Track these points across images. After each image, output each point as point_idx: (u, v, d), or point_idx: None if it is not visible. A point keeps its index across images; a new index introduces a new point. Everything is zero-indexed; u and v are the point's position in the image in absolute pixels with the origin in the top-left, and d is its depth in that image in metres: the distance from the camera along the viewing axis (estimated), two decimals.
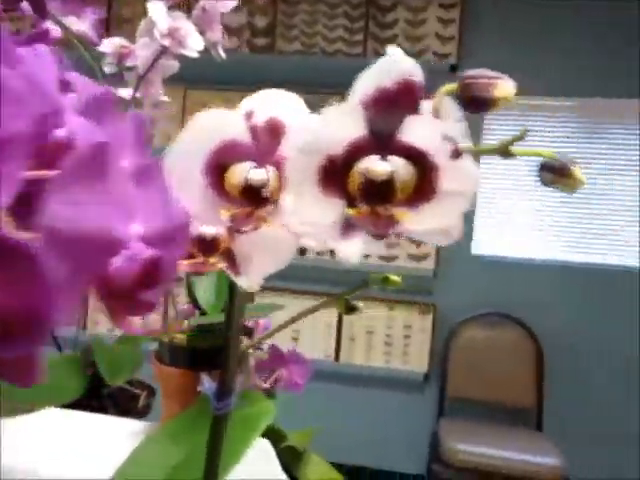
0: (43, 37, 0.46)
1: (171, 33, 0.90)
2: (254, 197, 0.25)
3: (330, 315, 2.40)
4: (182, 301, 0.74)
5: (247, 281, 0.31)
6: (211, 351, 0.63)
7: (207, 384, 0.44)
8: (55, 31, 0.68)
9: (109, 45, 0.91)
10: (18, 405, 0.77)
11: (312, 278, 2.22)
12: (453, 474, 1.87)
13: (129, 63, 0.93)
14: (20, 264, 0.15)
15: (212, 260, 0.31)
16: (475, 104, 0.22)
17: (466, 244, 2.27)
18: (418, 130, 0.19)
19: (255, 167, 0.25)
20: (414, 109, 0.20)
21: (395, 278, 0.34)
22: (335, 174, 0.20)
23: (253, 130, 0.25)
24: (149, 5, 0.91)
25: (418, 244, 2.36)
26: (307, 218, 0.20)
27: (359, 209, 0.20)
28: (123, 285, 0.21)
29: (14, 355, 0.17)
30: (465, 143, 0.21)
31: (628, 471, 2.14)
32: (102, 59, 0.83)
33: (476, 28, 2.26)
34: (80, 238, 0.18)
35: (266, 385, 0.81)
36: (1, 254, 0.15)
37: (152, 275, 0.22)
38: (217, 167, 0.25)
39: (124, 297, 0.21)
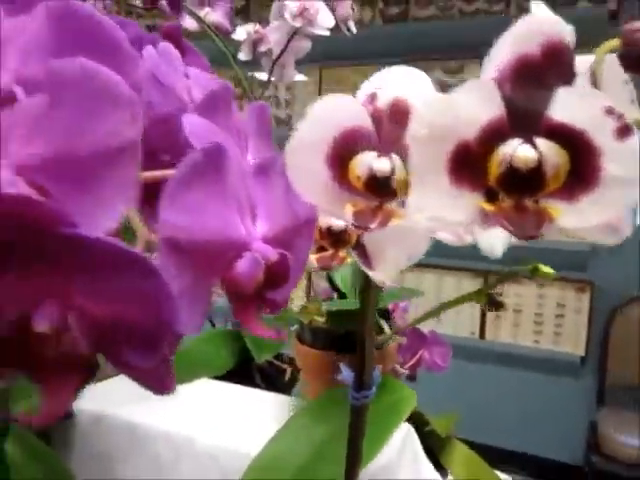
0: (174, 32, 0.47)
1: (301, 13, 0.90)
2: (380, 190, 0.23)
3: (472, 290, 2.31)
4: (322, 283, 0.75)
5: (381, 275, 0.29)
6: (349, 334, 0.63)
7: (345, 373, 0.43)
8: (190, 23, 0.71)
9: (242, 32, 0.93)
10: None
11: (455, 252, 2.14)
12: (616, 467, 1.71)
13: (263, 48, 0.95)
14: (141, 278, 0.15)
15: (342, 253, 0.29)
16: None
17: None
18: (571, 104, 0.16)
19: (379, 156, 0.22)
20: (564, 79, 0.17)
21: (547, 269, 0.30)
22: (468, 162, 0.17)
23: (376, 114, 0.23)
24: None
25: None
26: (435, 213, 0.18)
27: (499, 203, 0.17)
28: (249, 287, 0.20)
29: (146, 364, 0.17)
30: (635, 115, 0.17)
31: None
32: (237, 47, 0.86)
33: None
34: (199, 245, 0.18)
35: (404, 370, 0.80)
36: (121, 268, 0.15)
37: (279, 274, 0.21)
38: (339, 157, 0.24)
39: (251, 297, 0.21)
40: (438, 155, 0.17)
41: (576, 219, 0.16)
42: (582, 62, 0.20)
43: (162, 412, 0.71)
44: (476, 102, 0.16)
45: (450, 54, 2.30)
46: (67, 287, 0.16)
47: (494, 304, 0.29)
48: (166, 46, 0.30)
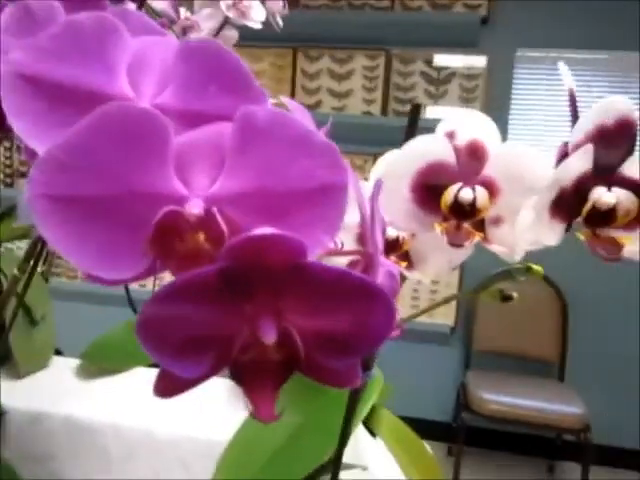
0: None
1: (235, 4, 0.91)
2: (460, 213, 0.28)
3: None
4: None
5: (419, 276, 0.35)
6: None
7: None
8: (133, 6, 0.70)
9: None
10: (107, 366, 0.82)
11: None
12: (482, 422, 1.97)
13: (193, 35, 0.94)
14: (374, 301, 0.19)
15: (392, 258, 0.34)
16: None
17: None
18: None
19: (463, 187, 0.28)
20: (631, 144, 0.23)
21: (538, 268, 0.37)
22: (563, 202, 0.23)
23: (456, 150, 0.29)
24: None
25: None
26: (536, 238, 0.24)
27: (586, 233, 0.23)
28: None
29: (345, 366, 0.20)
30: None
31: None
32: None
33: None
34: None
35: None
36: (351, 292, 0.19)
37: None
38: (424, 185, 0.29)
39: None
40: (548, 199, 0.23)
41: (633, 244, 0.23)
42: None
43: (107, 405, 0.70)
44: (579, 162, 0.22)
45: (339, 44, 2.39)
46: (287, 305, 0.20)
47: (506, 297, 0.36)
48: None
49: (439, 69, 2.36)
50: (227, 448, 0.56)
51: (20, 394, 0.71)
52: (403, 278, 0.36)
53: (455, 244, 0.27)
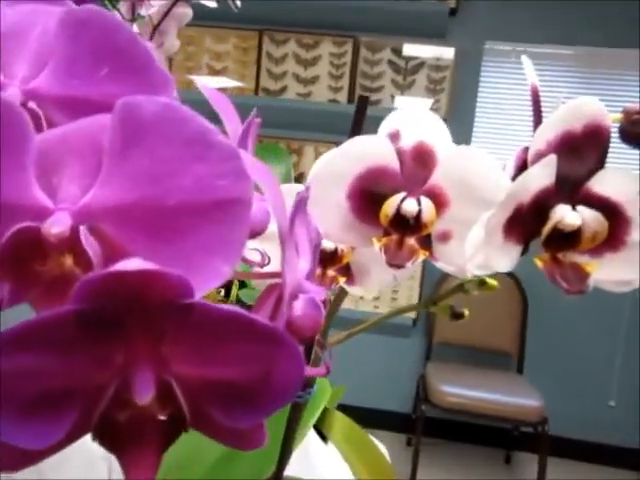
0: None
1: None
2: (403, 227, 0.24)
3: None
4: None
5: (361, 291, 0.31)
6: None
7: None
8: None
9: None
10: None
11: None
12: (441, 414, 1.97)
13: (144, 11, 0.88)
14: (277, 348, 0.15)
15: (330, 272, 0.30)
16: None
17: None
18: (611, 181, 0.19)
19: (407, 197, 0.24)
20: (601, 155, 0.20)
21: (493, 282, 0.34)
22: (520, 221, 0.20)
23: (400, 153, 0.25)
24: None
25: None
26: (486, 262, 0.20)
27: (545, 257, 0.20)
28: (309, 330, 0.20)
29: (249, 424, 0.16)
30: None
31: (598, 407, 2.28)
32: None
33: None
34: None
35: None
36: (256, 339, 0.15)
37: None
38: (363, 192, 0.25)
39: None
40: (501, 218, 0.19)
41: (601, 272, 0.20)
42: None
43: None
44: (540, 175, 0.19)
45: (306, 28, 2.33)
46: (169, 353, 0.16)
47: (456, 315, 0.32)
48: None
49: (407, 59, 2.32)
50: (166, 461, 0.52)
51: None
52: (345, 293, 0.32)
53: (395, 265, 0.23)
